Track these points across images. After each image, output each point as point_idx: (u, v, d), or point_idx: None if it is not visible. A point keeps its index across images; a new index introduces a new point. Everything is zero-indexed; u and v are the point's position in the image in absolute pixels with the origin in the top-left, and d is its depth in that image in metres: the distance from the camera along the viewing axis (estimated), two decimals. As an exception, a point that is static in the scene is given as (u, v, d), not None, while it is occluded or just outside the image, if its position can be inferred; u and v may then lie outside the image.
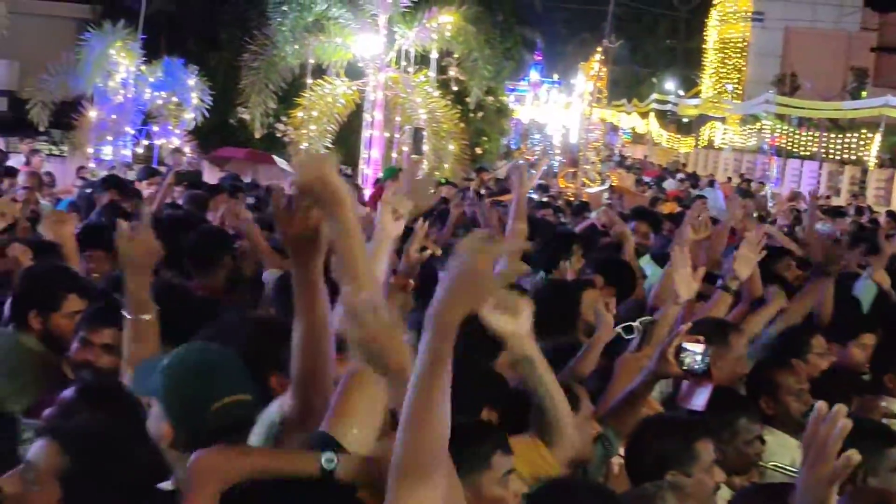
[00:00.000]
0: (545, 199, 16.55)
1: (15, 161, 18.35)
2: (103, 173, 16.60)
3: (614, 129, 50.55)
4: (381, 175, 21.98)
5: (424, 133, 23.13)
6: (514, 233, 7.52)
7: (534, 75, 50.88)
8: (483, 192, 19.19)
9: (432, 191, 14.08)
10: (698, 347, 4.85)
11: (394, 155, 25.07)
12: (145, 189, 12.44)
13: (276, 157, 23.40)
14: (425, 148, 23.39)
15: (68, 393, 3.76)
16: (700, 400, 4.93)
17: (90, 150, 22.83)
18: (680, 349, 4.83)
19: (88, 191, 12.01)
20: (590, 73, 29.93)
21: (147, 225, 4.32)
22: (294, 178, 3.23)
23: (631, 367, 4.99)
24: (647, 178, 34.31)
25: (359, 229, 3.29)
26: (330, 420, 3.17)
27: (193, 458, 2.96)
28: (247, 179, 17.86)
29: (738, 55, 50.17)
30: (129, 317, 4.14)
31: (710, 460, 4.35)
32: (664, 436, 4.39)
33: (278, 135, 25.99)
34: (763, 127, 44.57)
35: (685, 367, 4.85)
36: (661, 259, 8.25)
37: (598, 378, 5.24)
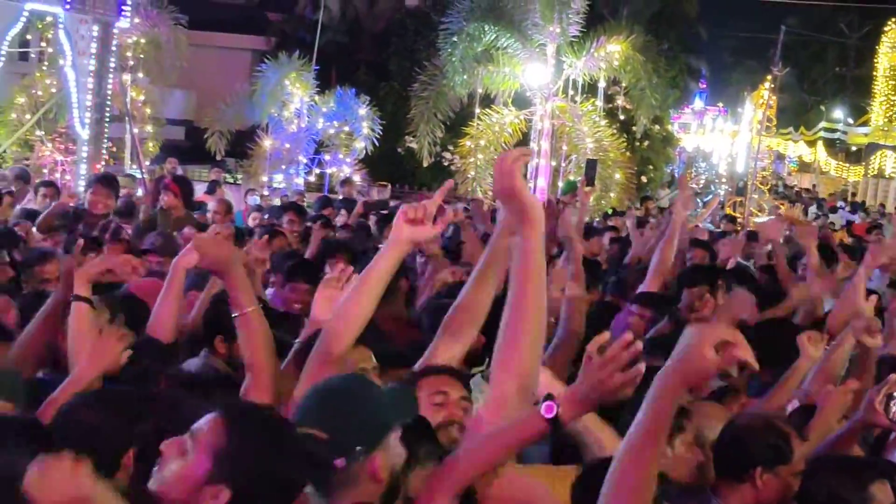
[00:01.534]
0: (723, 230, 16.26)
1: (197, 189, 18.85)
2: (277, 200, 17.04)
3: (780, 157, 49.68)
4: (562, 189, 22.11)
5: (598, 163, 23.04)
6: (661, 259, 7.45)
7: (698, 103, 50.39)
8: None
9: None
10: None
11: (560, 184, 25.09)
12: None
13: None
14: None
15: None
16: None
17: (264, 179, 23.42)
18: (889, 398, 4.62)
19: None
20: (758, 102, 29.49)
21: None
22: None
23: (835, 401, 4.84)
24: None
25: (541, 255, 3.26)
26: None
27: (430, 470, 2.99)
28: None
29: (911, 82, 48.80)
30: (234, 315, 4.14)
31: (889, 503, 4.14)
32: (837, 477, 4.20)
33: (445, 163, 26.30)
34: (936, 156, 43.27)
35: (891, 417, 4.63)
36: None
37: (802, 414, 5.11)
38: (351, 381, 3.14)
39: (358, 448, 2.86)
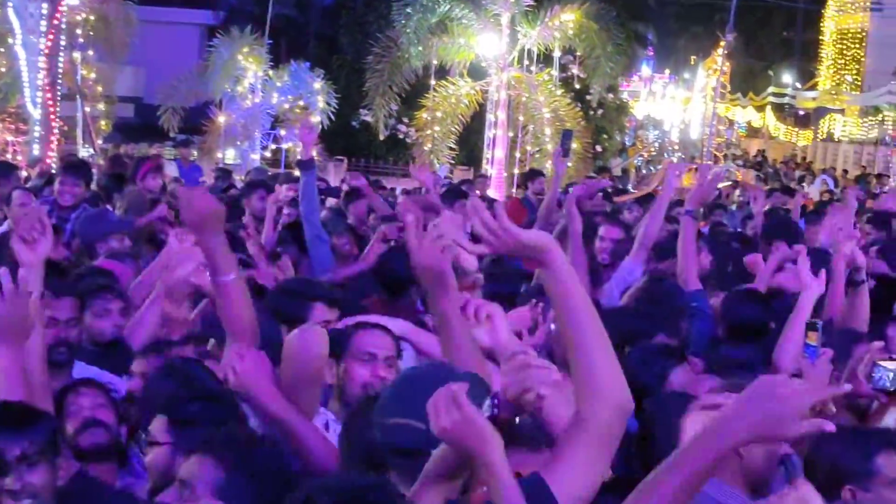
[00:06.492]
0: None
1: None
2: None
3: (729, 123, 49.87)
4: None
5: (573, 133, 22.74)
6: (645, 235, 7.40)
7: (645, 70, 50.28)
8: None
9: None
10: (891, 365, 4.55)
11: (517, 154, 24.97)
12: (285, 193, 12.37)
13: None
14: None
15: None
16: (891, 421, 4.62)
17: (219, 155, 23.11)
18: (873, 366, 4.54)
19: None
20: (711, 69, 29.48)
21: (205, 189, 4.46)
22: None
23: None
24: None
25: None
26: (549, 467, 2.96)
27: None
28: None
29: (857, 46, 48.96)
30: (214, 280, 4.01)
31: (895, 476, 3.93)
32: (841, 447, 3.99)
33: (401, 136, 26.10)
34: (885, 118, 43.56)
35: (875, 386, 4.56)
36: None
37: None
38: (438, 370, 3.04)
39: None
